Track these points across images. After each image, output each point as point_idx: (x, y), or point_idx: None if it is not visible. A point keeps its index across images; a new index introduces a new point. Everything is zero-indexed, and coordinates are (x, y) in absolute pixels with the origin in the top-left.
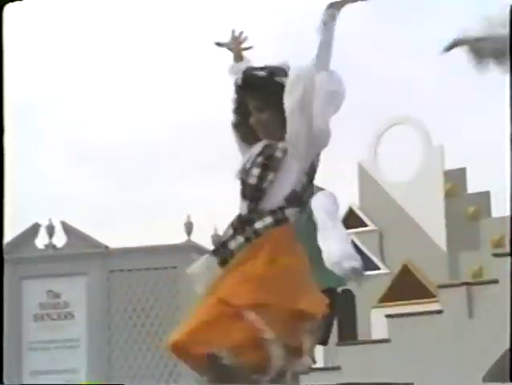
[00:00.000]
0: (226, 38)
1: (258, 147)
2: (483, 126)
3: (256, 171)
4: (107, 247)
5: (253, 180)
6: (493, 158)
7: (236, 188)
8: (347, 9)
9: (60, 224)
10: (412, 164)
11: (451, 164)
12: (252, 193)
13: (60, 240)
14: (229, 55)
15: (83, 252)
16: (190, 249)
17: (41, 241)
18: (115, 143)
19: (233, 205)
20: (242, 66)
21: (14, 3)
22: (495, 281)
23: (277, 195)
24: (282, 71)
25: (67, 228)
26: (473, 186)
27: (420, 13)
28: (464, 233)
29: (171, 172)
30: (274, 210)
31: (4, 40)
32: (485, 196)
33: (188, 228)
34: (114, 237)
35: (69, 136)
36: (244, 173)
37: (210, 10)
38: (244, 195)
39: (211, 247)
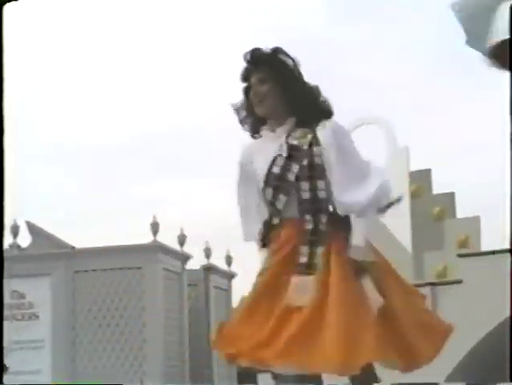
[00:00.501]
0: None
1: (278, 146)
2: (448, 127)
3: (305, 185)
4: (73, 247)
5: (306, 196)
6: (458, 159)
7: (202, 187)
8: (308, 10)
9: (25, 224)
10: (378, 165)
11: (416, 165)
12: (310, 207)
13: (25, 240)
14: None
15: (48, 252)
16: (156, 250)
17: (5, 241)
18: (79, 144)
19: (199, 206)
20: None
21: (14, 3)
22: (459, 282)
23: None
24: (285, 52)
25: (32, 228)
26: (437, 187)
27: (382, 12)
28: (429, 233)
29: (137, 173)
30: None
31: (4, 40)
32: (449, 197)
33: (155, 228)
34: (80, 238)
35: (40, 135)
36: (275, 179)
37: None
38: (300, 209)
39: (177, 247)
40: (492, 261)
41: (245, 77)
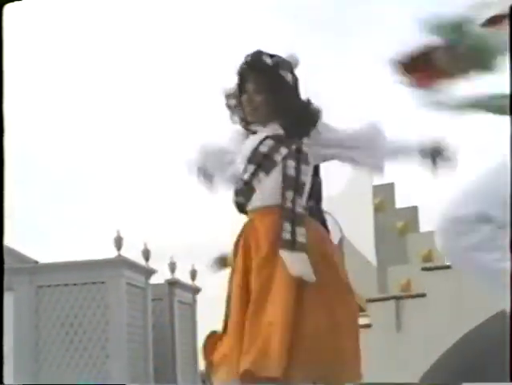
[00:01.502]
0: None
1: (271, 130)
2: (410, 140)
3: (292, 163)
4: (36, 262)
5: (291, 172)
6: (421, 173)
7: (167, 201)
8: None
9: None
10: (342, 179)
11: (379, 179)
12: (293, 185)
13: None
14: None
15: (10, 267)
16: (120, 264)
17: None
18: (42, 157)
19: (163, 220)
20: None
21: (14, 3)
22: (423, 295)
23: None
24: (287, 65)
25: None
26: (401, 201)
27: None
28: (392, 247)
29: (101, 187)
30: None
31: (4, 40)
32: (413, 211)
33: (118, 242)
34: (43, 252)
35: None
36: (261, 157)
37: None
38: (285, 185)
39: (141, 262)
40: (455, 275)
41: (242, 77)
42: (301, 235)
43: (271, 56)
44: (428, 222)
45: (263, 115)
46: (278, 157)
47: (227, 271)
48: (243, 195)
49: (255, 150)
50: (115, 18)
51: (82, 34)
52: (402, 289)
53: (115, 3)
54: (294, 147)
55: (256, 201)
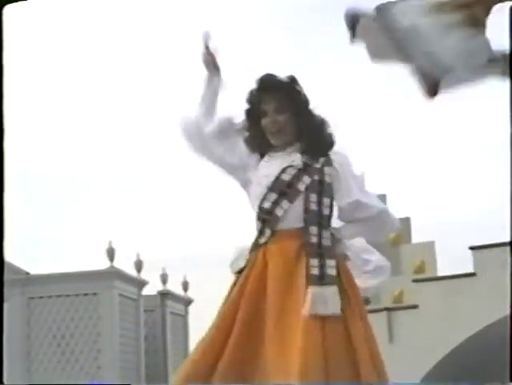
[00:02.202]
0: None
1: (292, 158)
2: (403, 152)
3: (314, 197)
4: (28, 273)
5: (313, 207)
6: (413, 184)
7: (159, 213)
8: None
9: None
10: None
11: (372, 191)
12: (316, 219)
13: None
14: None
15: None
16: (112, 276)
17: None
18: (34, 168)
19: (155, 231)
20: (220, 82)
21: (14, 4)
22: (415, 307)
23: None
24: (298, 81)
25: None
26: (393, 212)
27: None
28: (385, 258)
29: (93, 198)
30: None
31: (4, 41)
32: (405, 223)
33: (111, 254)
34: (35, 263)
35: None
36: (283, 186)
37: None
38: (307, 219)
39: (133, 273)
40: (446, 286)
41: (256, 102)
42: (330, 267)
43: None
44: (420, 233)
45: (287, 135)
46: (301, 186)
47: (225, 284)
48: (269, 224)
49: (277, 178)
50: (115, 18)
51: (81, 35)
52: (394, 301)
53: (115, 3)
54: (316, 178)
55: (272, 228)
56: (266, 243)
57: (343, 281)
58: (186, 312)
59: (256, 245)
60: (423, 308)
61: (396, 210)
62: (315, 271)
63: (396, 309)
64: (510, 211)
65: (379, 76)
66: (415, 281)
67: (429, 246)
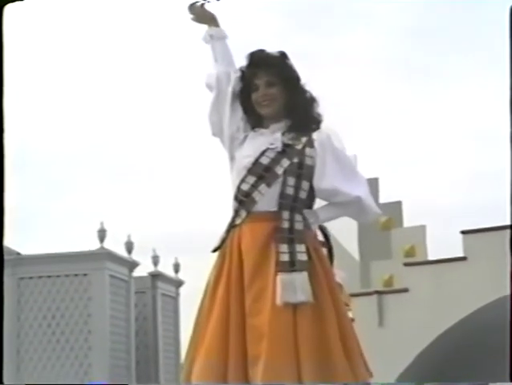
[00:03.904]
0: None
1: (272, 140)
2: (394, 136)
3: (291, 180)
4: (18, 254)
5: (290, 191)
6: (405, 168)
7: (150, 194)
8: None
9: None
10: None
11: (364, 174)
12: (291, 204)
13: None
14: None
15: None
16: (103, 256)
17: None
18: (25, 149)
19: (146, 213)
20: (221, 31)
21: (14, 3)
22: (405, 290)
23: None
24: (288, 56)
25: None
26: (384, 196)
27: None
28: (376, 242)
29: (84, 179)
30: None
31: (4, 41)
32: (396, 206)
33: (101, 235)
34: (25, 244)
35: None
36: (262, 169)
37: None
38: (282, 204)
39: (124, 254)
40: (437, 270)
41: (248, 77)
42: (301, 253)
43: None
44: (411, 217)
45: (277, 107)
46: (279, 170)
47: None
48: (245, 206)
49: (256, 161)
50: (115, 19)
51: (82, 34)
52: (385, 284)
53: (115, 4)
54: (296, 160)
55: (247, 210)
56: (240, 224)
57: (315, 266)
58: (177, 294)
59: (231, 226)
60: (413, 292)
61: (388, 194)
62: (285, 257)
63: (386, 292)
64: (510, 196)
65: (375, 62)
66: (406, 264)
67: (420, 230)
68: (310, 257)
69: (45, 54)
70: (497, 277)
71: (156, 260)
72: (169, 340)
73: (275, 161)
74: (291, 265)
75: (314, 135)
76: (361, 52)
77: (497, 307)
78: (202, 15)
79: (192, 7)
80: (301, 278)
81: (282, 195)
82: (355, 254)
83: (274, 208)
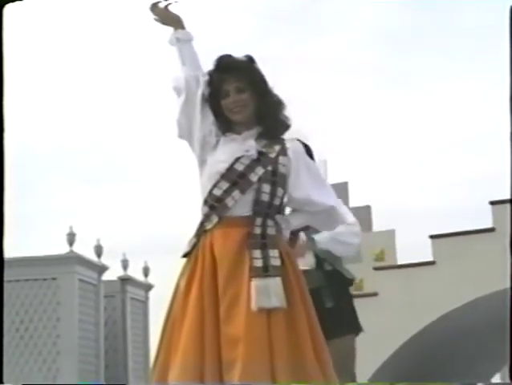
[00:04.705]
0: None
1: (246, 147)
2: (363, 141)
3: (267, 188)
4: None
5: (265, 198)
6: (374, 172)
7: (120, 197)
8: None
9: None
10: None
11: (334, 178)
12: (265, 210)
13: None
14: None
15: None
16: (72, 260)
17: None
18: None
19: (116, 216)
20: (187, 33)
21: (14, 3)
22: (375, 294)
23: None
24: (255, 60)
25: None
26: (354, 200)
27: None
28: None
29: (53, 182)
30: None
31: (4, 40)
32: (366, 210)
33: (71, 238)
34: None
35: None
36: (236, 175)
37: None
38: (256, 210)
39: (94, 258)
40: (406, 274)
41: (217, 83)
42: (274, 258)
43: (233, 56)
44: (380, 222)
45: (248, 114)
46: (254, 177)
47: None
48: (216, 211)
49: (230, 167)
50: (114, 18)
51: (82, 34)
52: (355, 288)
53: (114, 4)
54: (270, 168)
55: (219, 215)
56: (211, 229)
57: (288, 271)
58: (147, 298)
59: (201, 230)
60: (383, 296)
61: (357, 198)
62: (258, 263)
63: (356, 296)
64: (511, 210)
65: (347, 66)
66: (375, 269)
67: (390, 234)
68: (283, 262)
69: (45, 53)
70: (465, 281)
71: (125, 264)
72: (138, 344)
73: (250, 168)
74: (265, 271)
75: (288, 144)
76: (331, 56)
77: (466, 311)
78: (167, 17)
79: (154, 8)
80: (274, 283)
81: (257, 202)
82: None
83: (248, 214)
